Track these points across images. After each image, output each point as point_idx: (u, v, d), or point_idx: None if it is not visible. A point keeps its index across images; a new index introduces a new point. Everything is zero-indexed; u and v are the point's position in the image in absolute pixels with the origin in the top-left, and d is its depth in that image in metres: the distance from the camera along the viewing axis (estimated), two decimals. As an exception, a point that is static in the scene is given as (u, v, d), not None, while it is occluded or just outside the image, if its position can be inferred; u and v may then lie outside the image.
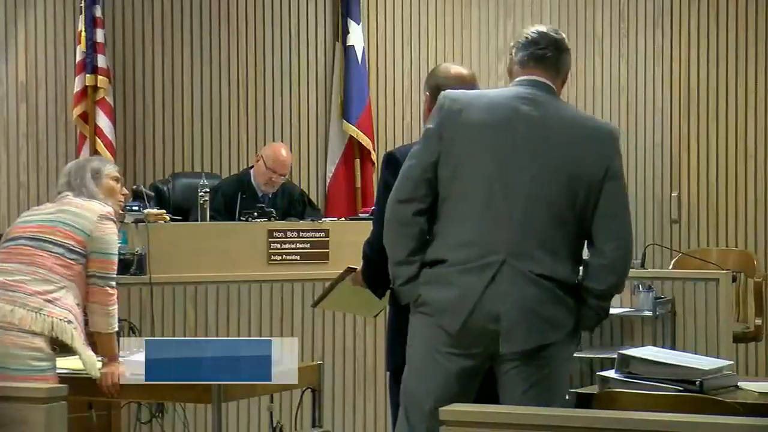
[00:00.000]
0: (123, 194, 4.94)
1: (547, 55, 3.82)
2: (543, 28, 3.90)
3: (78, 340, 4.48)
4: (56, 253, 4.54)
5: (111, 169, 4.85)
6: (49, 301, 4.48)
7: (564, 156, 3.70)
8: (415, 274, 3.72)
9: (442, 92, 3.82)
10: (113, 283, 4.63)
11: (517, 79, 3.83)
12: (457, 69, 4.31)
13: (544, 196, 3.68)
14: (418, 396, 3.72)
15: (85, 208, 4.65)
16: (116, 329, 4.67)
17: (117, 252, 4.70)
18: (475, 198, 3.68)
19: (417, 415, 3.72)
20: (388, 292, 4.07)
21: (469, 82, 4.21)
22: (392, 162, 4.05)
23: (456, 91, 3.83)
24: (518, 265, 3.63)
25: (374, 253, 4.01)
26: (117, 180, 4.86)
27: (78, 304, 4.57)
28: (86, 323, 4.61)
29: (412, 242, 3.72)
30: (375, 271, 4.06)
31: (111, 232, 4.63)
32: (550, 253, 3.67)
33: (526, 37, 3.85)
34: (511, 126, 3.69)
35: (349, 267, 4.45)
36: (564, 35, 3.92)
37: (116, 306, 4.65)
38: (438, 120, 3.74)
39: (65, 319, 4.48)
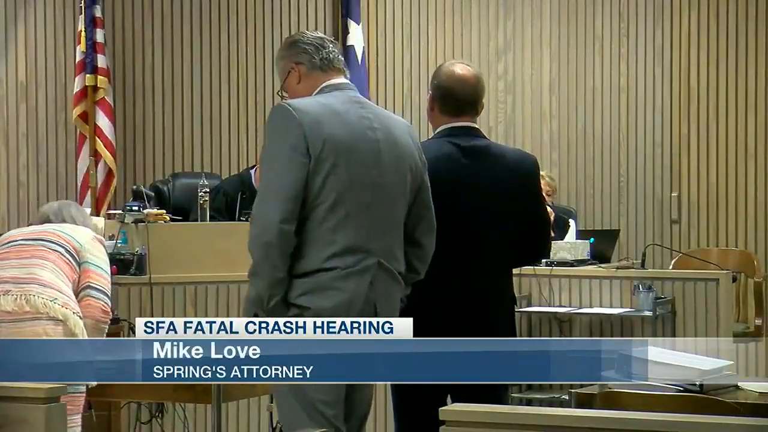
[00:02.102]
0: None
1: (339, 57, 3.88)
2: (319, 34, 3.94)
3: (85, 335, 4.53)
4: (57, 251, 4.66)
5: None
6: (61, 292, 4.57)
7: (407, 153, 3.81)
8: (288, 289, 3.70)
9: (290, 105, 3.74)
10: (109, 301, 4.69)
11: (331, 83, 3.83)
12: (461, 70, 4.20)
13: (400, 195, 3.79)
14: (317, 404, 3.69)
15: (79, 229, 4.81)
16: None
17: (110, 274, 4.80)
18: (345, 205, 3.69)
19: (323, 421, 3.70)
20: None
21: (472, 84, 4.18)
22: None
23: (301, 102, 3.77)
24: (388, 266, 3.75)
25: None
26: None
27: None
28: None
29: (289, 259, 3.70)
30: None
31: (104, 253, 4.79)
32: (400, 249, 3.81)
33: (305, 44, 3.85)
34: (361, 130, 3.74)
35: None
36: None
37: (107, 325, 4.73)
38: (300, 134, 3.67)
39: (78, 314, 4.57)
